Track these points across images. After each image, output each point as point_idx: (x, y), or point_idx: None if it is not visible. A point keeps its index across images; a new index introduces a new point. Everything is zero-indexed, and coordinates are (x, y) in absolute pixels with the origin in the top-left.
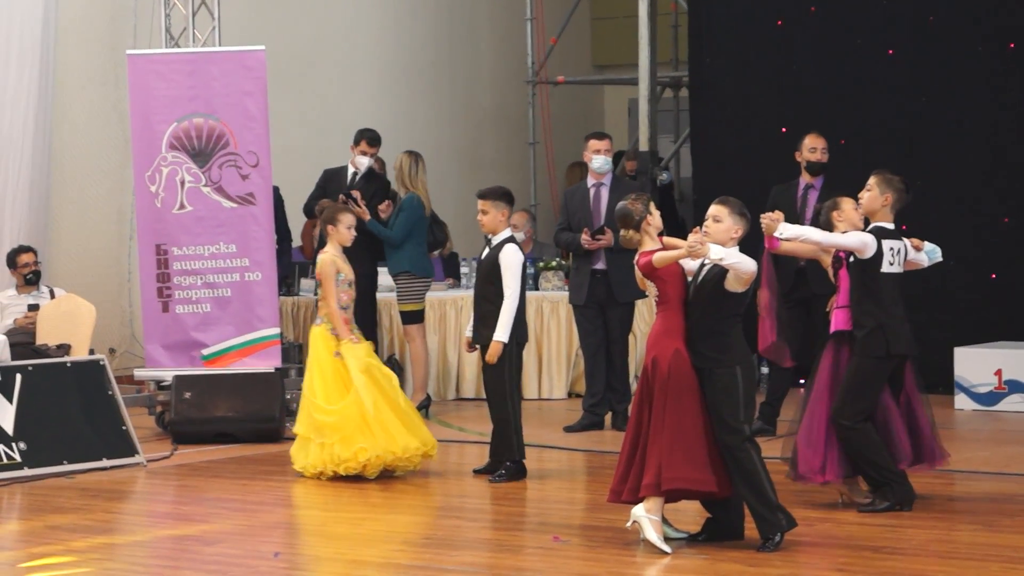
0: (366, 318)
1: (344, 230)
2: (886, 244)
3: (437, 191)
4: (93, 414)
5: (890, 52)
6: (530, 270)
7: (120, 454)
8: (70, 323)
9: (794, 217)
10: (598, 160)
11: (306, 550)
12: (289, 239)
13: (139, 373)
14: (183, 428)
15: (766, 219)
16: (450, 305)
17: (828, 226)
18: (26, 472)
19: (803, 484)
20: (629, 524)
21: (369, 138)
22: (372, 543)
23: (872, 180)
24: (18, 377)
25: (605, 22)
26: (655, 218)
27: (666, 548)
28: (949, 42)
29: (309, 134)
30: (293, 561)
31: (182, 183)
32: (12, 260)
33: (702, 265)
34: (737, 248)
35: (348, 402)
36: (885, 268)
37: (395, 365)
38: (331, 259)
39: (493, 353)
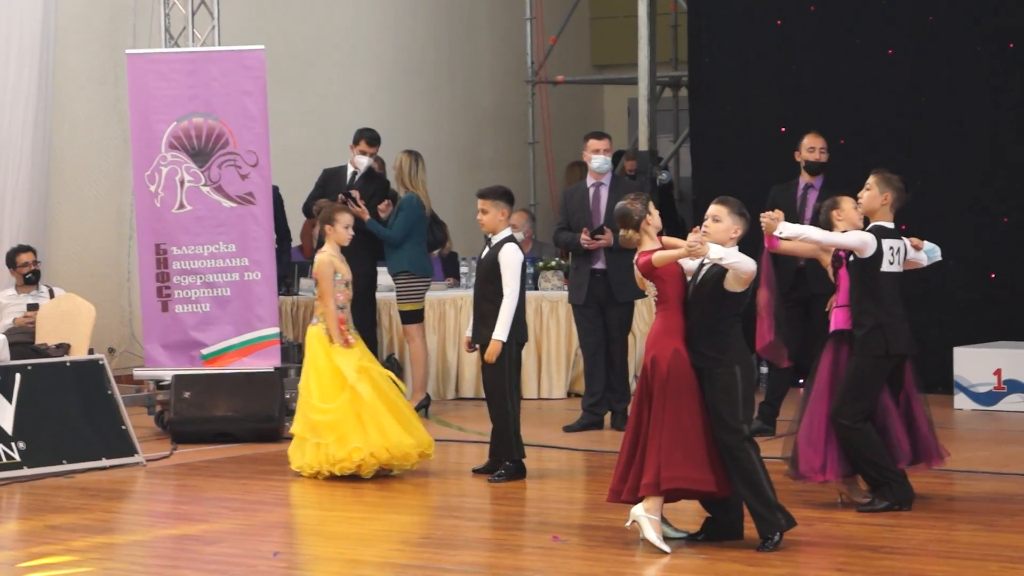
0: (365, 318)
1: (342, 230)
2: (886, 243)
3: (436, 191)
4: (92, 414)
5: (890, 52)
6: (529, 270)
7: (119, 454)
8: (69, 323)
9: (793, 217)
10: (597, 160)
11: (305, 550)
12: (288, 239)
13: (138, 373)
14: (182, 428)
15: (766, 218)
16: (450, 305)
17: (827, 225)
18: (25, 472)
19: (803, 483)
20: (628, 524)
21: (368, 138)
22: (371, 543)
23: (871, 179)
24: (17, 377)
25: (604, 22)
26: (654, 218)
27: (665, 548)
28: (949, 42)
29: (309, 134)
30: (292, 561)
31: (181, 183)
32: (11, 260)
33: (701, 265)
34: (736, 248)
35: (342, 401)
36: (885, 267)
37: (394, 365)
38: (328, 259)
39: (492, 352)
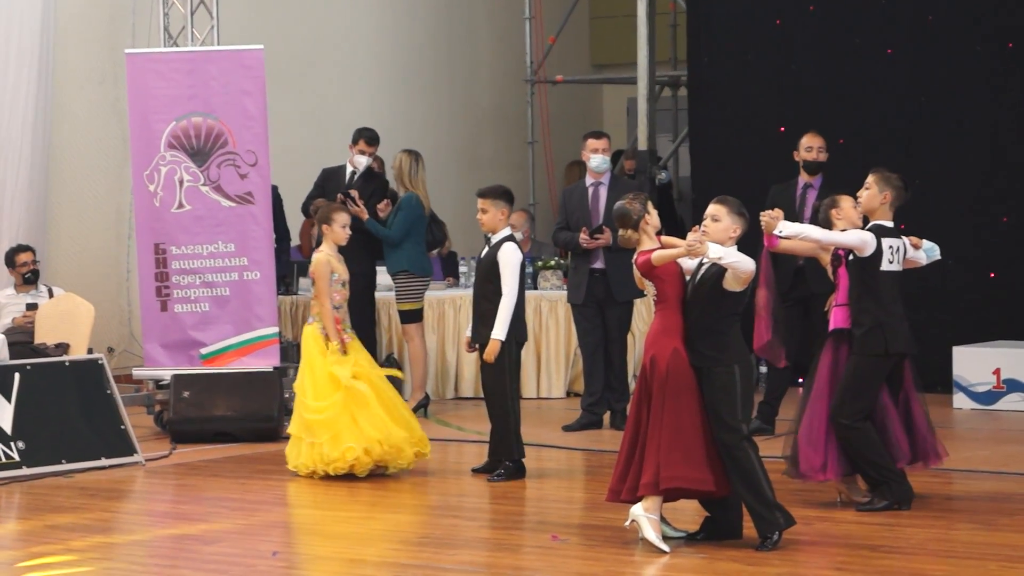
0: (364, 317)
1: (339, 229)
2: (885, 242)
3: (436, 190)
4: (92, 413)
5: (889, 52)
6: (528, 269)
7: (119, 453)
8: (69, 322)
9: (793, 216)
10: (596, 159)
11: (304, 549)
12: (288, 238)
13: (137, 372)
14: (182, 427)
15: (766, 217)
16: (449, 304)
17: (827, 224)
18: (25, 471)
19: (803, 482)
20: (628, 523)
21: (367, 137)
22: (370, 542)
23: (871, 178)
24: (16, 376)
25: (604, 21)
26: (653, 217)
27: (664, 547)
28: (949, 42)
29: (308, 133)
30: (291, 560)
31: (181, 182)
32: (10, 259)
33: (700, 264)
34: (736, 247)
35: (336, 400)
36: (884, 266)
37: (394, 364)
38: (325, 258)
39: (491, 351)
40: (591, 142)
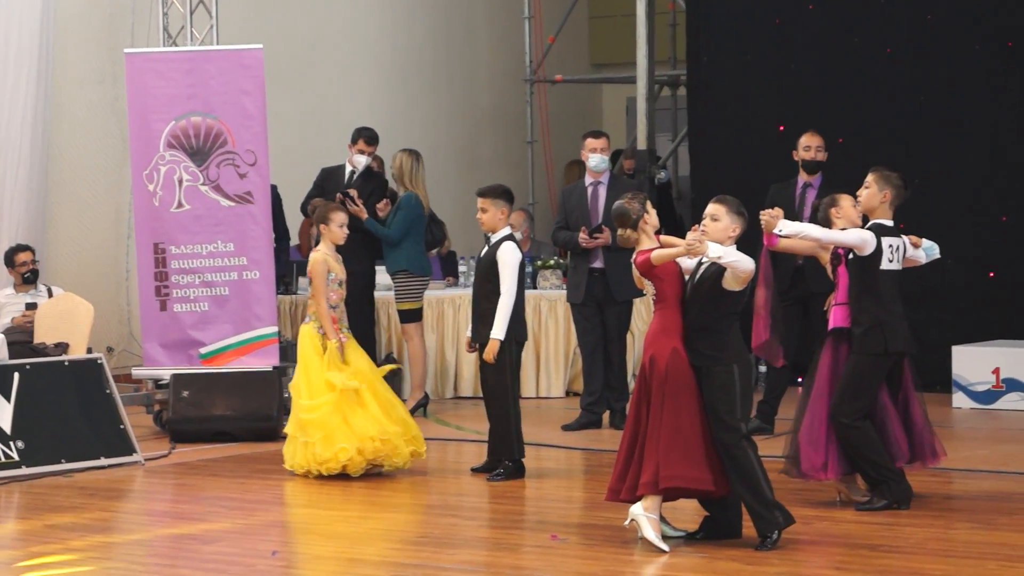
0: (364, 317)
1: (336, 228)
2: (885, 241)
3: (435, 190)
4: (91, 413)
5: (888, 51)
6: (528, 269)
7: (118, 453)
8: (68, 322)
9: (792, 215)
10: (594, 158)
11: (304, 548)
12: (287, 238)
13: (137, 372)
14: (181, 427)
15: (765, 216)
16: (448, 304)
17: (826, 223)
18: (24, 471)
19: (804, 481)
20: (627, 522)
21: (367, 137)
22: (370, 541)
23: (870, 177)
24: (16, 376)
25: (603, 20)
26: (652, 217)
27: (664, 546)
28: (948, 41)
29: (307, 133)
30: (290, 560)
31: (180, 182)
32: (10, 259)
33: (699, 264)
34: (735, 247)
35: (329, 399)
36: (884, 265)
37: (393, 363)
38: (322, 258)
39: (490, 351)
40: (590, 141)
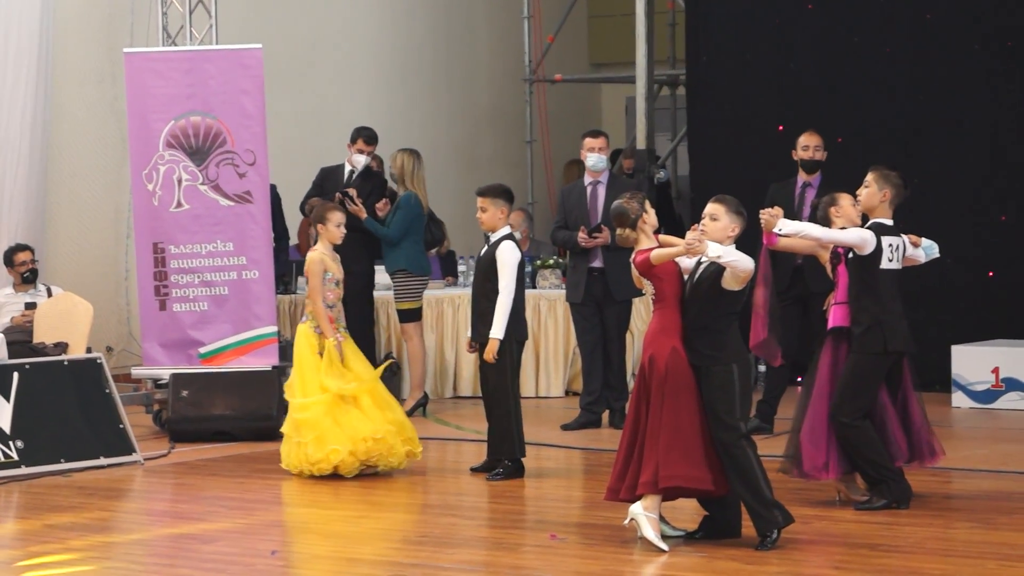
0: (363, 316)
1: (333, 228)
2: (885, 240)
3: (434, 189)
4: (90, 412)
5: (888, 50)
6: (527, 268)
7: (117, 452)
8: (67, 321)
9: (791, 215)
10: (592, 158)
11: (303, 548)
12: (286, 237)
13: (136, 371)
14: (180, 426)
15: (765, 215)
16: (447, 303)
17: (825, 222)
18: (23, 471)
19: (806, 481)
20: (627, 522)
21: (366, 136)
22: (369, 541)
23: (870, 176)
24: (15, 375)
25: (602, 20)
26: (651, 216)
27: (663, 546)
28: (948, 41)
29: (307, 133)
30: (290, 559)
31: (179, 181)
32: (9, 258)
33: (698, 263)
34: (734, 246)
35: (321, 400)
36: (884, 264)
37: (395, 364)
38: (319, 257)
39: (490, 350)
40: (588, 141)
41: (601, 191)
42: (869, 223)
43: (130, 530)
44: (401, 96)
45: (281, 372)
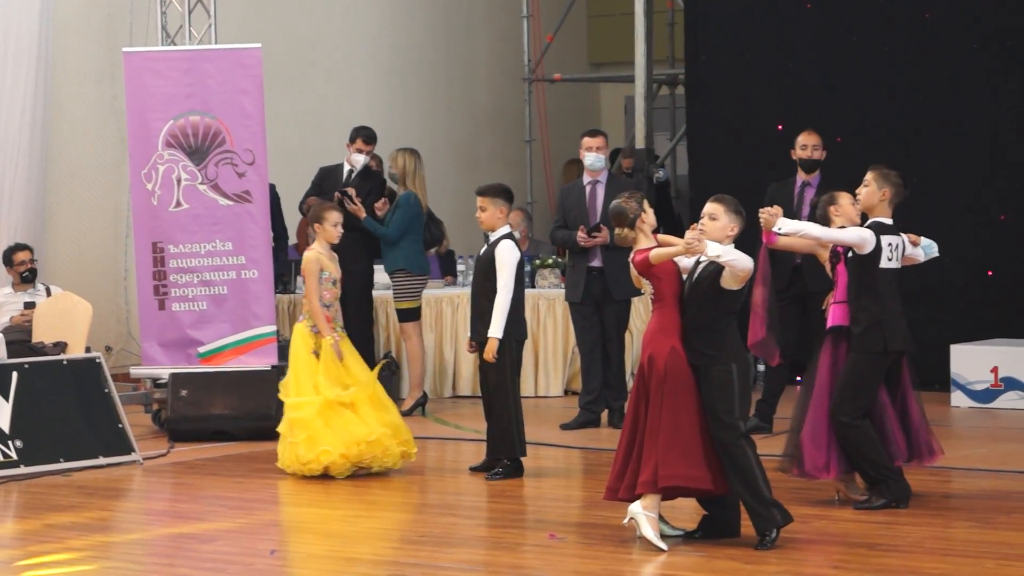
0: (362, 316)
1: (330, 227)
2: (884, 239)
3: (434, 189)
4: (89, 412)
5: (888, 50)
6: (527, 268)
7: (116, 452)
8: (66, 321)
9: (790, 214)
10: (591, 157)
11: (302, 547)
12: (285, 237)
13: (135, 371)
14: (179, 426)
15: (765, 214)
16: (446, 303)
17: (825, 221)
18: (22, 470)
19: (807, 480)
20: (626, 521)
21: (365, 136)
22: (368, 540)
23: (869, 175)
24: (14, 375)
25: (601, 19)
26: (649, 216)
27: (662, 545)
28: (948, 41)
29: (306, 132)
30: (289, 559)
31: (178, 181)
32: (8, 258)
33: (697, 262)
34: (733, 245)
35: (314, 400)
36: (883, 264)
37: (391, 363)
38: (315, 256)
39: (490, 349)
40: (587, 140)
41: (600, 191)
42: (868, 222)
43: (129, 530)
44: (400, 96)
45: (280, 372)
